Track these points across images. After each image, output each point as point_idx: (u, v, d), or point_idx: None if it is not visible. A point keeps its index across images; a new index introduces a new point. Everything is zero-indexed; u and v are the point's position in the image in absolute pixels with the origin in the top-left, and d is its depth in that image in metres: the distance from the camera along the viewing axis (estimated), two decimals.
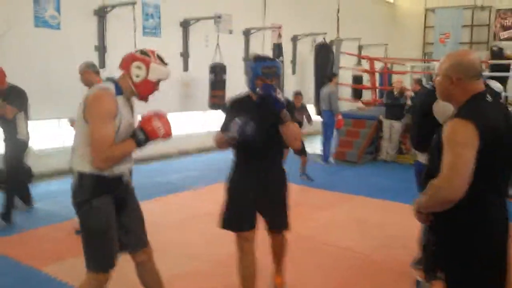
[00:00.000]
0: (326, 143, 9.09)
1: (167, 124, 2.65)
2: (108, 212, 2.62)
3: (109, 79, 2.70)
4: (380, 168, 8.82)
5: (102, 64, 8.67)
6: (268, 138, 3.06)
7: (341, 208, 6.10)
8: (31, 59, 6.05)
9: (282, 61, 11.34)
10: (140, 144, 2.58)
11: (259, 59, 3.11)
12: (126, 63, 2.64)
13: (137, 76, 2.61)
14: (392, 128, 9.27)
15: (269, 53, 11.80)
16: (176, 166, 8.94)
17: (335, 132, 9.15)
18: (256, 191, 3.13)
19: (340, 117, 8.82)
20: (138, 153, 2.68)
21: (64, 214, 5.32)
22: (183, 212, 5.78)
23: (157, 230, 5.03)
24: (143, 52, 2.66)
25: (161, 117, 2.65)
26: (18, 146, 5.17)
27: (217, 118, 10.82)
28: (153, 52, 2.70)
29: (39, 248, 4.50)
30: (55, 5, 7.94)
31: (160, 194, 6.50)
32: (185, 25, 10.16)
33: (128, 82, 2.63)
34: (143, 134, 2.57)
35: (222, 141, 3.08)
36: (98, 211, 2.58)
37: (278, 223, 3.27)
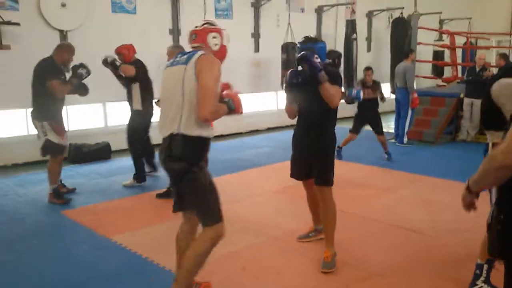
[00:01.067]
0: (400, 122, 8.76)
1: (240, 102, 2.99)
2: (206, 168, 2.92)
3: (189, 51, 2.92)
4: (458, 149, 8.38)
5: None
6: (313, 103, 3.52)
7: (411, 189, 5.89)
8: (109, 43, 6.36)
9: (355, 38, 11.02)
10: (230, 112, 2.91)
11: (300, 42, 3.63)
12: (202, 36, 2.91)
13: (216, 44, 2.93)
14: (474, 107, 8.74)
15: (342, 30, 11.53)
16: (249, 143, 9.09)
17: (410, 112, 8.74)
18: (300, 150, 3.77)
19: (415, 95, 8.44)
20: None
21: (141, 188, 5.66)
22: (252, 188, 5.88)
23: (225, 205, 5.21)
24: (210, 23, 3.02)
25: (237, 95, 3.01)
26: (137, 116, 5.81)
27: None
28: (209, 21, 3.08)
29: (110, 218, 4.80)
30: None
31: (232, 171, 6.65)
32: (256, 5, 10.19)
33: (208, 51, 2.88)
34: (233, 105, 2.91)
35: (286, 107, 3.73)
36: (205, 169, 2.86)
37: (317, 179, 3.68)
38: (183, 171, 2.77)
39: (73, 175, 6.54)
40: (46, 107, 5.14)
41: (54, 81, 5.06)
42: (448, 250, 4.01)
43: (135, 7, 8.37)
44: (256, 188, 5.90)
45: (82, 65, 5.29)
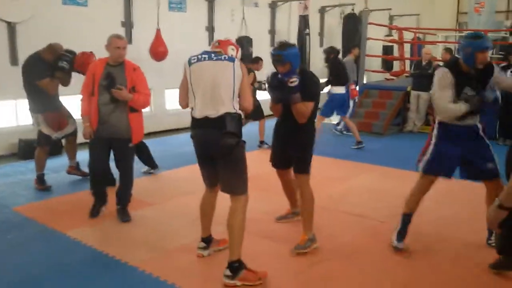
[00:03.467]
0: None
1: None
2: None
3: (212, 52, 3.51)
4: (405, 139, 8.75)
5: (129, 39, 8.83)
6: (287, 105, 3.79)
7: (360, 178, 6.14)
8: (60, 36, 6.25)
9: (308, 34, 11.27)
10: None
11: (273, 48, 3.83)
12: (224, 45, 3.51)
13: (231, 55, 3.47)
14: (420, 99, 9.14)
15: (295, 25, 11.74)
16: None
17: (351, 103, 9.07)
18: (281, 142, 4.06)
19: (352, 87, 8.69)
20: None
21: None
22: None
23: (180, 198, 5.25)
24: (236, 40, 3.60)
25: None
26: None
27: None
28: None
29: (64, 213, 4.77)
30: None
31: (186, 163, 6.66)
32: None
33: None
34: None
35: (272, 107, 3.99)
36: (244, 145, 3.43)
37: (296, 168, 3.95)
38: (230, 143, 3.30)
39: (24, 171, 6.40)
40: (38, 101, 5.44)
41: (42, 81, 5.29)
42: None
43: None
44: None
45: (62, 57, 5.33)
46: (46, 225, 4.43)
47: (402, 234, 3.90)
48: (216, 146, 3.31)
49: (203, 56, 3.42)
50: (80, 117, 4.52)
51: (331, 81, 7.83)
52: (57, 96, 5.62)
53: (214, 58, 3.40)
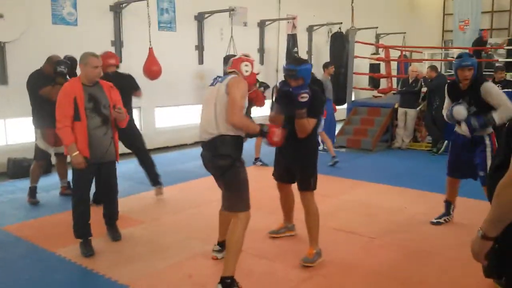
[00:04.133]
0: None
1: (281, 137, 3.65)
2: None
3: (225, 75, 3.61)
4: (394, 156, 8.84)
5: (119, 58, 8.88)
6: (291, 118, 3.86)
7: (350, 194, 6.18)
8: (49, 55, 6.28)
9: (297, 52, 11.39)
10: (260, 134, 3.58)
11: (286, 63, 4.04)
12: (237, 64, 3.59)
13: (247, 71, 3.58)
14: (407, 116, 9.27)
15: (284, 44, 11.88)
16: (193, 154, 9.10)
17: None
18: (283, 156, 4.15)
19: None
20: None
21: None
22: (195, 199, 5.91)
23: (167, 216, 5.25)
24: (246, 55, 3.70)
25: (281, 131, 3.66)
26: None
27: None
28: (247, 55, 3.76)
29: (53, 232, 4.73)
30: (72, 2, 8.19)
31: (175, 182, 6.68)
32: (199, 18, 10.32)
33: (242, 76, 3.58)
34: (266, 131, 3.56)
35: (272, 116, 4.10)
36: (244, 165, 3.52)
37: (300, 185, 4.05)
38: (225, 165, 3.41)
39: (13, 190, 6.36)
40: (39, 115, 5.54)
41: (44, 89, 5.38)
42: (384, 250, 4.27)
43: (76, 18, 8.27)
44: (200, 198, 5.94)
45: (58, 62, 5.43)
46: (36, 243, 4.40)
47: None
48: (211, 167, 3.54)
49: (216, 80, 3.58)
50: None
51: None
52: None
53: (214, 82, 3.55)
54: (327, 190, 6.30)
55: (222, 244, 3.93)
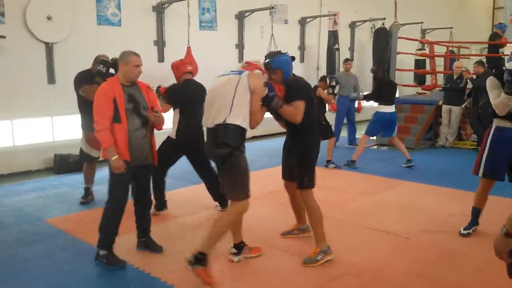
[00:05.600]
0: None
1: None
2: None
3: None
4: (437, 154, 8.60)
5: (161, 58, 9.10)
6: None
7: (388, 193, 6.06)
8: (94, 55, 6.48)
9: (338, 49, 11.27)
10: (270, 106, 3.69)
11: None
12: (252, 69, 3.70)
13: None
14: (451, 114, 8.99)
15: (325, 41, 11.78)
16: None
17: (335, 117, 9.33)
18: (285, 155, 4.19)
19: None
20: None
21: None
22: None
23: (202, 212, 5.32)
24: (258, 62, 3.84)
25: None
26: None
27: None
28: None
29: (93, 226, 4.88)
30: (116, 3, 8.44)
31: None
32: (240, 17, 10.39)
33: None
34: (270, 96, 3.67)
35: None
36: (244, 155, 3.57)
37: (298, 184, 3.96)
38: (226, 152, 3.48)
39: (58, 184, 6.64)
40: (83, 118, 5.52)
41: (82, 87, 5.31)
42: (419, 250, 4.18)
43: (120, 19, 8.52)
44: None
45: (100, 62, 5.35)
46: (76, 236, 4.58)
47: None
48: (212, 155, 3.66)
49: (227, 72, 3.67)
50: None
51: (374, 99, 7.71)
52: None
53: (228, 73, 3.63)
54: (365, 188, 6.24)
55: (238, 246, 3.97)
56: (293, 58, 3.93)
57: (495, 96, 4.17)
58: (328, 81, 7.40)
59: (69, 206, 5.63)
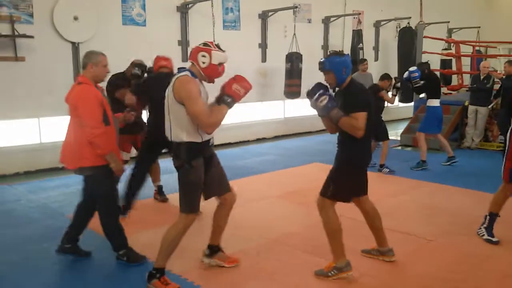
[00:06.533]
0: None
1: (244, 82, 3.37)
2: (200, 170, 3.40)
3: (181, 69, 3.36)
4: (463, 156, 8.42)
5: (185, 58, 9.17)
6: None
7: (411, 194, 5.99)
8: (119, 55, 6.60)
9: (362, 48, 11.18)
10: (230, 106, 3.32)
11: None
12: (194, 54, 3.32)
13: (204, 63, 3.29)
14: (478, 114, 8.82)
15: (349, 40, 11.69)
16: (255, 151, 9.21)
17: None
18: None
19: None
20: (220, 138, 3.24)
21: (144, 193, 5.84)
22: (253, 194, 5.98)
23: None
24: (205, 44, 3.35)
25: (238, 79, 3.37)
26: None
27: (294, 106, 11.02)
28: (211, 42, 3.39)
29: None
30: (141, 3, 8.56)
31: (235, 177, 6.77)
32: (263, 16, 10.40)
33: (198, 69, 3.32)
34: (229, 97, 3.31)
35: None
36: (195, 169, 3.35)
37: (322, 187, 3.66)
38: (178, 167, 3.39)
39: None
40: None
41: (120, 90, 5.22)
42: (440, 253, 4.12)
43: (145, 19, 8.64)
44: (258, 193, 6.03)
45: (135, 65, 5.36)
46: (97, 232, 4.65)
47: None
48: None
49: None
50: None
51: (427, 95, 7.61)
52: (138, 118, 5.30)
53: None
54: (387, 190, 6.18)
55: (211, 248, 3.89)
56: (353, 62, 3.64)
57: None
58: (393, 81, 7.24)
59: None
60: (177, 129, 3.29)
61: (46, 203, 5.74)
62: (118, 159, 3.78)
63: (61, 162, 3.99)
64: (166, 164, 5.57)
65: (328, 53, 3.71)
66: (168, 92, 3.28)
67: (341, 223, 3.58)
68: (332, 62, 3.49)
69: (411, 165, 7.46)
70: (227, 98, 3.31)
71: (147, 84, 5.17)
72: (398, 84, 7.20)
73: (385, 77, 7.31)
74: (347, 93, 3.51)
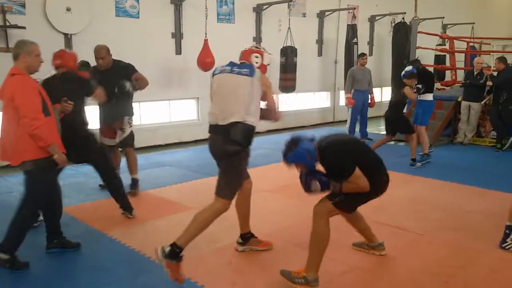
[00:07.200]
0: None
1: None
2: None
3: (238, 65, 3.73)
4: (455, 151, 8.48)
5: (179, 50, 9.13)
6: None
7: (403, 189, 6.00)
8: (112, 47, 6.55)
9: (356, 43, 11.17)
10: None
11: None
12: (247, 55, 3.76)
13: (257, 63, 3.74)
14: (471, 110, 8.86)
15: (343, 35, 11.68)
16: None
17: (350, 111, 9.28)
18: None
19: (347, 95, 9.08)
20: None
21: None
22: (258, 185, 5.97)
23: None
24: (256, 47, 3.87)
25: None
26: None
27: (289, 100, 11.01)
28: (261, 47, 3.91)
29: (107, 215, 4.98)
30: None
31: None
32: (258, 10, 10.36)
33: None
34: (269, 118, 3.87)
35: None
36: (247, 156, 3.68)
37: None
38: (230, 151, 3.54)
39: (75, 173, 6.74)
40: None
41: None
42: (431, 247, 4.14)
43: (139, 11, 8.57)
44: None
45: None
46: (90, 225, 4.66)
47: None
48: (219, 150, 3.62)
49: (226, 68, 3.70)
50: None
51: (422, 89, 7.58)
52: (105, 109, 5.67)
53: (235, 71, 3.63)
54: None
55: (243, 237, 4.01)
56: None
57: None
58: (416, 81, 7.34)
59: (85, 195, 5.73)
60: (253, 113, 3.55)
61: None
62: (60, 150, 3.68)
63: (2, 160, 3.83)
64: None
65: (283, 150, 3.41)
66: (251, 79, 3.56)
67: (329, 238, 3.39)
68: (294, 158, 3.33)
69: (409, 162, 7.46)
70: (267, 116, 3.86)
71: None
72: (420, 86, 7.31)
73: (412, 76, 7.34)
74: (327, 164, 3.37)
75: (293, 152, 3.31)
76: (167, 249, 3.35)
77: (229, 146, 3.51)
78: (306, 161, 3.32)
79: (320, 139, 3.44)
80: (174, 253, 3.34)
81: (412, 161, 7.26)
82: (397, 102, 7.47)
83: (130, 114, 5.75)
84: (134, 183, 5.76)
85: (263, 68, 3.77)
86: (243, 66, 3.68)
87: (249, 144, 3.59)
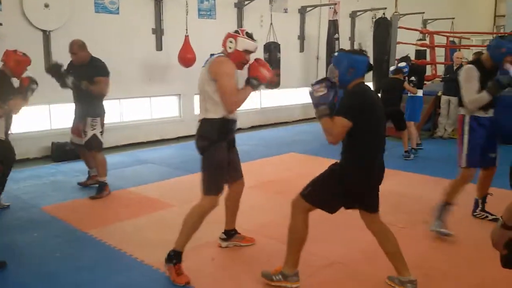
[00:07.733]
0: None
1: (268, 69, 3.56)
2: (225, 151, 3.54)
3: (212, 55, 3.52)
4: (435, 145, 8.59)
5: (160, 46, 9.06)
6: None
7: (384, 183, 5.96)
8: (92, 43, 6.47)
9: (338, 38, 11.22)
10: (255, 88, 3.51)
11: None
12: (224, 40, 3.47)
13: (230, 48, 3.42)
14: (451, 104, 8.98)
15: (325, 30, 11.72)
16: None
17: None
18: None
19: None
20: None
21: (116, 185, 5.78)
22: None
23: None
24: (235, 31, 3.50)
25: (263, 64, 3.56)
26: None
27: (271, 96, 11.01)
28: (243, 30, 3.53)
29: (87, 214, 4.95)
30: None
31: None
32: (239, 6, 10.34)
33: (226, 54, 3.45)
34: (256, 80, 3.49)
35: None
36: (220, 149, 3.48)
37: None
38: (202, 148, 3.48)
39: (55, 172, 6.66)
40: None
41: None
42: (412, 240, 4.18)
43: (118, 7, 8.48)
44: None
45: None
46: (69, 223, 4.61)
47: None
48: (196, 146, 3.57)
49: (206, 61, 3.54)
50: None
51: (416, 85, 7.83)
52: (77, 104, 5.81)
53: (205, 64, 3.49)
54: None
55: (227, 233, 3.99)
56: (370, 67, 3.14)
57: (472, 91, 4.00)
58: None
59: (64, 194, 5.66)
60: (210, 107, 3.41)
61: (17, 195, 5.62)
62: None
63: None
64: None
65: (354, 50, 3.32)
66: (203, 72, 3.43)
67: (307, 234, 3.28)
68: (339, 59, 3.11)
69: (401, 155, 7.62)
70: (253, 81, 3.48)
71: None
72: (412, 78, 7.59)
73: (398, 72, 7.63)
74: (344, 96, 3.11)
75: (343, 54, 3.17)
76: (166, 255, 3.47)
77: (199, 142, 3.51)
78: (345, 70, 3.04)
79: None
80: (169, 256, 3.44)
81: (405, 153, 7.49)
82: (394, 97, 7.47)
83: (95, 115, 5.48)
84: (99, 186, 5.52)
85: (237, 54, 3.38)
86: (211, 56, 3.49)
87: (218, 138, 3.46)
